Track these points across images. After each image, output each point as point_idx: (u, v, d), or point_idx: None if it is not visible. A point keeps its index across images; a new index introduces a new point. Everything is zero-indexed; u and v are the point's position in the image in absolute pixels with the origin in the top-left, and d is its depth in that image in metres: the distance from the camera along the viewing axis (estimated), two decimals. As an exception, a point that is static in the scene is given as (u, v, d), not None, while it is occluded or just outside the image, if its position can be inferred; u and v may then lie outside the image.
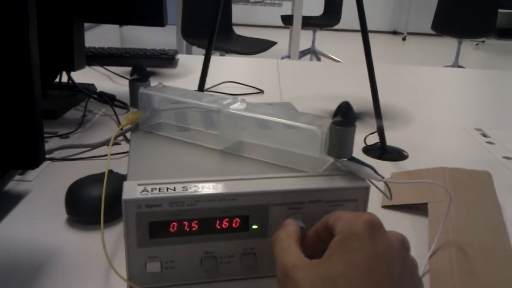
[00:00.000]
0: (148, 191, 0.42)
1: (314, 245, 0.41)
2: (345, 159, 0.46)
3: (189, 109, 0.60)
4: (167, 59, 1.29)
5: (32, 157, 0.47)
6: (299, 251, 0.38)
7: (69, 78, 0.93)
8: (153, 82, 0.54)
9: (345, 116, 0.44)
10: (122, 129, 0.56)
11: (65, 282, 0.45)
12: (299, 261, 0.36)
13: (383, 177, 0.45)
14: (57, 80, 0.95)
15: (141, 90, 0.55)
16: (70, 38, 0.82)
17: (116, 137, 0.53)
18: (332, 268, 0.34)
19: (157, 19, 0.97)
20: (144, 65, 0.56)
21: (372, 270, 0.33)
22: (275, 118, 0.49)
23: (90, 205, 0.53)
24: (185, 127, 0.57)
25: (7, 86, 0.45)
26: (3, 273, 0.46)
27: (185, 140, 0.54)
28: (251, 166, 0.48)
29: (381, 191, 0.46)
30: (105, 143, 0.74)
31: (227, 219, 0.44)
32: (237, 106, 0.52)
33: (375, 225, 0.36)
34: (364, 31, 0.74)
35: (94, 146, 0.73)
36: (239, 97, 0.54)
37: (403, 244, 0.37)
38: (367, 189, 0.46)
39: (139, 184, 0.43)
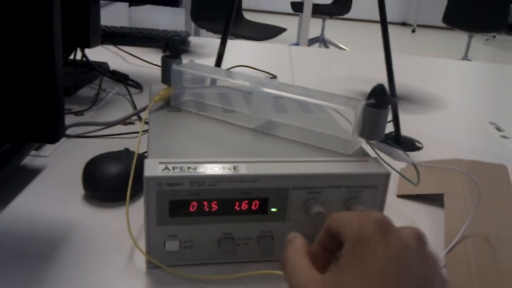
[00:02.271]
0: (169, 170, 0.42)
1: (321, 257, 0.37)
2: (377, 141, 0.47)
3: (220, 87, 0.60)
4: (179, 40, 1.28)
5: (53, 131, 0.47)
6: (309, 266, 0.35)
7: (83, 55, 0.92)
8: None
9: (379, 98, 0.45)
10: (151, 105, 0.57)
11: (81, 257, 0.45)
12: (313, 280, 0.33)
13: (414, 160, 0.45)
14: (71, 57, 0.94)
15: (174, 67, 0.56)
16: (86, 14, 0.82)
17: (148, 111, 0.54)
18: (347, 281, 0.31)
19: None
20: (176, 42, 0.56)
21: (392, 275, 0.30)
22: (308, 98, 0.49)
23: (108, 182, 0.53)
24: (215, 105, 0.57)
25: (30, 59, 0.44)
26: (19, 247, 0.46)
27: (213, 117, 0.54)
28: (281, 147, 0.48)
29: (405, 177, 0.46)
30: (120, 121, 0.74)
31: (246, 201, 0.44)
32: (269, 86, 0.51)
33: (386, 225, 0.32)
34: (383, 12, 0.73)
35: (109, 125, 0.73)
36: (269, 77, 0.54)
37: (420, 240, 0.33)
38: (387, 176, 0.45)
39: (160, 162, 0.43)
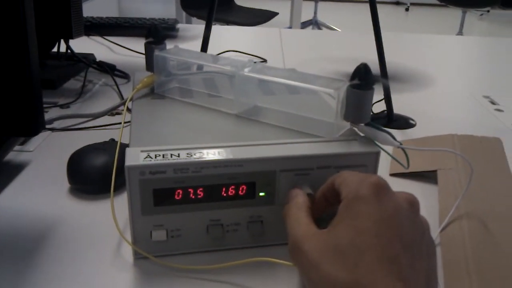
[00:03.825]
0: (151, 158, 0.41)
1: (323, 207, 0.41)
2: (362, 124, 0.45)
3: (205, 73, 0.58)
4: (167, 28, 1.26)
5: (32, 124, 0.46)
6: (308, 222, 0.38)
7: (68, 47, 0.91)
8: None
9: (363, 78, 0.42)
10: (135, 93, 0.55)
11: (69, 252, 0.44)
12: (309, 232, 0.36)
13: (401, 143, 0.43)
14: (55, 50, 0.93)
15: (157, 52, 0.54)
16: (67, 4, 0.80)
17: (129, 100, 0.52)
18: (340, 236, 0.33)
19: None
20: (159, 27, 0.55)
21: (381, 234, 0.32)
22: (290, 81, 0.47)
23: (93, 174, 0.52)
24: (200, 91, 0.56)
25: (4, 52, 0.43)
26: (6, 244, 0.45)
27: (198, 104, 0.53)
28: (265, 132, 0.47)
29: (396, 160, 0.45)
30: (107, 112, 0.72)
31: (233, 186, 0.43)
32: (251, 69, 0.50)
33: (381, 188, 0.34)
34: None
35: (95, 116, 0.72)
36: (253, 61, 0.52)
37: (412, 205, 0.36)
38: (377, 155, 0.44)
39: (142, 151, 0.42)
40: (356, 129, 0.45)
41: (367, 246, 0.32)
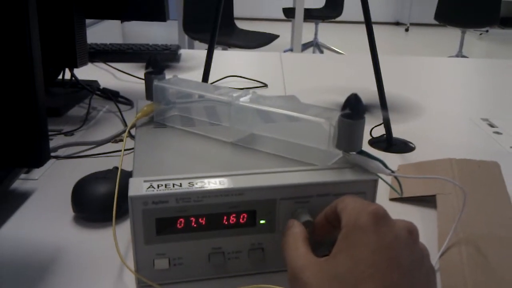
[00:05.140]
0: (154, 188, 0.42)
1: (324, 230, 0.42)
2: (354, 153, 0.46)
3: (202, 102, 0.60)
4: (169, 54, 1.29)
5: (37, 155, 0.47)
6: (306, 251, 0.38)
7: (72, 75, 0.93)
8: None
9: (354, 108, 0.43)
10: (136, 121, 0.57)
11: (73, 280, 0.45)
12: (307, 261, 0.37)
13: (393, 171, 0.44)
14: (60, 77, 0.94)
15: (156, 82, 0.56)
16: (72, 35, 0.82)
17: (130, 128, 0.54)
18: (339, 265, 0.34)
19: (158, 14, 0.96)
20: (158, 58, 0.56)
21: (379, 263, 0.33)
22: (283, 111, 0.48)
23: (96, 202, 0.53)
24: (198, 120, 0.57)
25: (10, 83, 0.44)
26: (10, 273, 0.46)
27: (197, 132, 0.54)
28: (260, 160, 0.48)
29: (391, 186, 0.46)
30: (110, 140, 0.74)
31: (234, 215, 0.43)
32: (247, 99, 0.51)
33: (380, 217, 0.35)
34: (368, 22, 0.73)
35: (99, 143, 0.73)
36: (250, 90, 0.53)
37: (411, 233, 0.36)
38: (375, 182, 0.45)
39: (145, 181, 0.43)
40: (348, 157, 0.46)
41: (366, 276, 0.33)
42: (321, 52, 4.43)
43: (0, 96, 0.44)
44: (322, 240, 0.42)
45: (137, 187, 0.42)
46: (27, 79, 0.44)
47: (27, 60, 0.44)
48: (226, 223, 0.43)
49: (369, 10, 0.75)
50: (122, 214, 0.55)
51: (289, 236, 0.41)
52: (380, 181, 0.45)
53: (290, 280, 0.37)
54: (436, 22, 4.07)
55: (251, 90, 0.54)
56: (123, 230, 0.52)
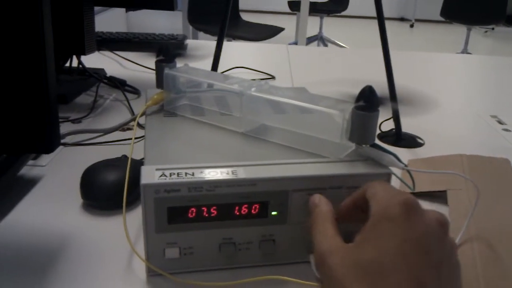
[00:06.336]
0: (166, 176, 0.41)
1: (351, 215, 0.41)
2: (367, 145, 0.45)
3: (213, 91, 0.59)
4: (176, 44, 1.28)
5: (48, 141, 0.46)
6: (334, 234, 0.37)
7: (80, 62, 0.92)
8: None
9: (368, 100, 0.43)
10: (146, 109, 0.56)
11: (81, 266, 0.45)
12: (335, 246, 0.36)
13: (406, 165, 0.44)
14: (67, 64, 0.94)
15: (167, 71, 0.55)
16: (80, 22, 0.81)
17: (140, 116, 0.53)
18: (364, 253, 0.33)
19: (167, 3, 0.96)
20: (170, 46, 0.56)
21: (408, 254, 0.32)
22: (296, 101, 0.48)
23: (105, 190, 0.52)
24: (208, 109, 0.57)
25: (22, 69, 0.44)
26: (18, 259, 0.45)
27: (207, 122, 0.54)
28: (272, 151, 0.48)
29: (402, 181, 0.45)
30: (118, 128, 0.73)
31: (246, 205, 0.43)
32: (259, 89, 0.51)
33: (410, 207, 0.34)
34: (380, 13, 0.73)
35: (106, 131, 0.73)
36: (262, 81, 0.53)
37: (442, 225, 0.35)
38: (388, 176, 0.45)
39: (157, 169, 0.42)
40: (361, 150, 0.46)
41: (393, 266, 0.32)
42: (326, 46, 4.41)
43: (13, 82, 0.44)
44: (346, 223, 0.40)
45: (149, 175, 0.41)
46: (39, 63, 0.44)
47: (39, 47, 0.43)
48: (237, 213, 0.43)
49: (381, 3, 0.74)
50: (130, 202, 0.54)
51: (317, 216, 0.40)
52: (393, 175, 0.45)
53: (317, 262, 0.37)
54: (442, 19, 4.04)
55: (262, 81, 0.53)
56: (131, 219, 0.52)
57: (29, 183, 0.59)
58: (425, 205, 0.58)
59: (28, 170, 0.62)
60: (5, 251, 0.46)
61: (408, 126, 0.82)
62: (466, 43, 4.15)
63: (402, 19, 6.48)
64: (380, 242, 0.33)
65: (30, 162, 0.63)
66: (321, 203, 0.41)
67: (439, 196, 0.59)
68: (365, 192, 0.39)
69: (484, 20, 3.91)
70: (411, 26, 6.16)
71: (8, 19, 0.42)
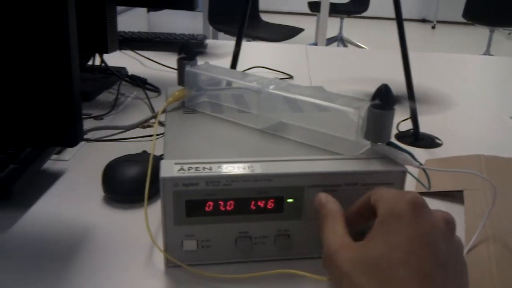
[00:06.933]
0: (185, 170, 0.42)
1: (356, 222, 0.41)
2: (382, 144, 0.46)
3: (233, 89, 0.61)
4: (196, 43, 1.29)
5: (71, 135, 0.48)
6: (343, 233, 0.38)
7: (102, 61, 0.94)
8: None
9: (384, 99, 0.43)
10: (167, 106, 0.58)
11: (102, 258, 0.46)
12: (343, 244, 0.37)
13: (421, 164, 0.44)
14: (90, 63, 0.96)
15: (188, 68, 0.57)
16: (103, 21, 0.83)
17: (161, 113, 0.55)
18: (373, 250, 0.34)
19: (187, 3, 0.97)
20: (191, 44, 0.57)
21: (415, 251, 0.33)
22: (312, 99, 0.49)
23: (126, 184, 0.54)
24: (227, 107, 0.58)
25: (48, 66, 0.45)
26: (42, 249, 0.47)
27: (226, 119, 0.55)
28: (288, 147, 0.48)
29: (418, 180, 0.46)
30: (139, 125, 0.75)
31: (262, 200, 0.44)
32: (277, 87, 0.52)
33: (417, 205, 0.35)
34: (398, 8, 0.73)
35: (128, 128, 0.74)
36: (280, 76, 0.54)
37: (448, 224, 0.35)
38: (404, 173, 0.45)
39: (176, 163, 0.43)
40: (376, 148, 0.46)
41: (401, 262, 0.32)
42: (345, 47, 4.40)
43: (40, 79, 0.45)
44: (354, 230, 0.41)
45: (169, 169, 0.42)
46: (64, 61, 0.46)
47: (65, 45, 0.45)
48: (254, 208, 0.44)
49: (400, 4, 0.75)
50: (150, 197, 0.56)
51: (327, 215, 0.41)
52: (408, 174, 0.45)
53: (325, 259, 0.37)
54: (464, 20, 3.99)
55: (279, 78, 0.54)
56: (150, 213, 0.53)
57: (53, 177, 0.61)
58: (441, 205, 0.59)
59: (52, 164, 0.64)
60: (28, 241, 0.48)
61: (427, 126, 0.82)
62: (489, 45, 4.09)
63: (423, 21, 6.41)
64: (388, 238, 0.34)
65: (54, 156, 0.65)
66: (329, 202, 0.42)
67: (455, 196, 0.59)
68: (369, 198, 0.39)
69: (507, 22, 3.84)
70: (433, 27, 6.09)
71: (35, 19, 0.44)
